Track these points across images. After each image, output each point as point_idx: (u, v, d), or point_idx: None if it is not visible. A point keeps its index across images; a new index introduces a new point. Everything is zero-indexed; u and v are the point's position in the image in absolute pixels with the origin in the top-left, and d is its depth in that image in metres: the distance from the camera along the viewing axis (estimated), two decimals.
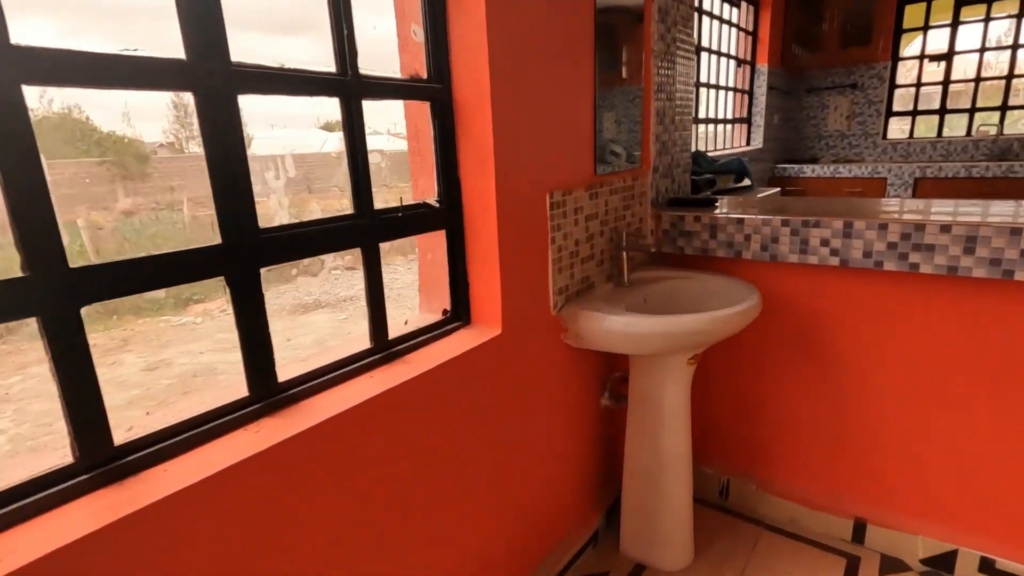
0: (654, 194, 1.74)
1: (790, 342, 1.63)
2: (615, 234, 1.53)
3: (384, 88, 0.99)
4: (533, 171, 1.22)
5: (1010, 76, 4.24)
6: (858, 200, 1.73)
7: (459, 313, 1.21)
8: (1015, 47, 4.12)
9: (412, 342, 1.09)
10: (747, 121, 4.30)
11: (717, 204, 1.73)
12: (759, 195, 2.78)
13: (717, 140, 3.81)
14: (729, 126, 4.02)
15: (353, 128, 0.93)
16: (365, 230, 0.97)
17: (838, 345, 1.55)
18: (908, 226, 1.32)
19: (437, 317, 1.19)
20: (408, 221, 1.06)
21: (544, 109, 1.23)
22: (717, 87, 3.70)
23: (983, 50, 4.28)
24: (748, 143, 4.33)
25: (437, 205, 1.11)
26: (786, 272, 1.58)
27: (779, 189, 3.09)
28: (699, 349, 1.41)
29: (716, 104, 3.71)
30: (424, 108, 1.10)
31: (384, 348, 1.04)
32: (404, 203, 1.06)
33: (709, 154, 3.15)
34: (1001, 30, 4.16)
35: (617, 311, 1.30)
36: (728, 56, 3.84)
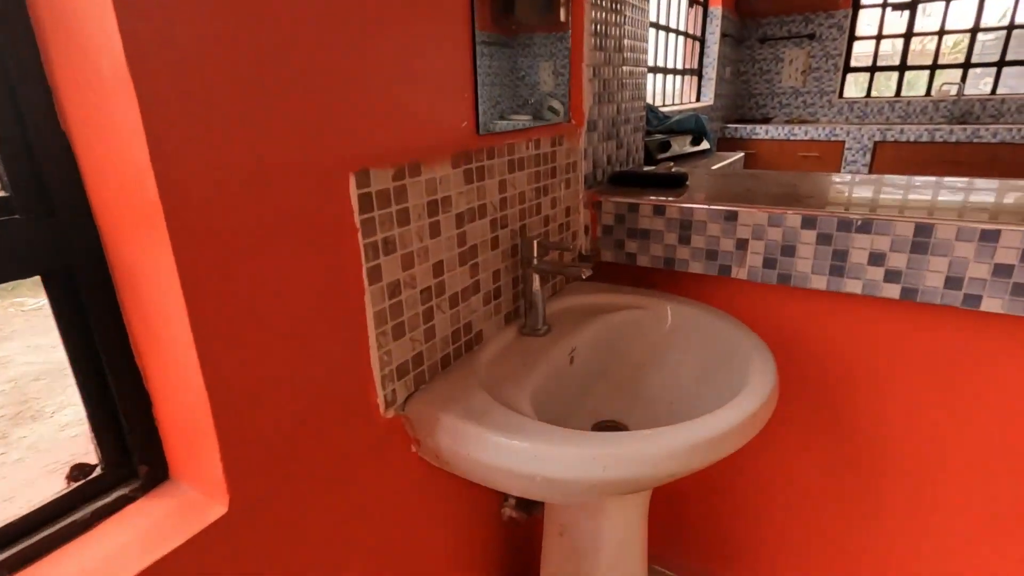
0: (590, 167, 1.07)
1: (802, 408, 1.03)
2: (521, 241, 0.86)
3: None
4: (305, 118, 0.51)
5: (975, 30, 3.85)
6: (900, 178, 1.13)
7: (128, 464, 0.51)
8: None
9: None
10: (698, 73, 3.69)
11: (688, 183, 1.09)
12: (718, 163, 2.18)
13: (665, 95, 3.18)
14: (678, 78, 3.40)
15: None
16: None
17: (883, 422, 0.96)
18: None
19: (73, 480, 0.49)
20: None
21: None
22: (667, 29, 3.03)
23: None
24: (698, 99, 3.73)
25: None
26: (804, 304, 0.96)
27: (742, 154, 2.51)
28: None
29: (665, 51, 3.06)
30: None
31: None
32: None
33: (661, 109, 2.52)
34: None
35: (508, 420, 0.64)
36: None
